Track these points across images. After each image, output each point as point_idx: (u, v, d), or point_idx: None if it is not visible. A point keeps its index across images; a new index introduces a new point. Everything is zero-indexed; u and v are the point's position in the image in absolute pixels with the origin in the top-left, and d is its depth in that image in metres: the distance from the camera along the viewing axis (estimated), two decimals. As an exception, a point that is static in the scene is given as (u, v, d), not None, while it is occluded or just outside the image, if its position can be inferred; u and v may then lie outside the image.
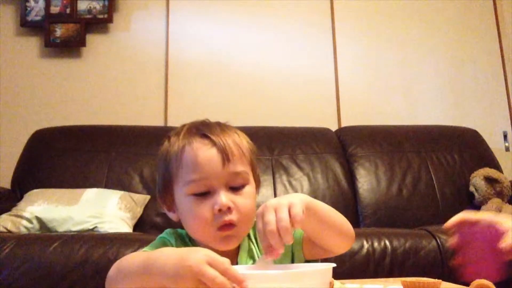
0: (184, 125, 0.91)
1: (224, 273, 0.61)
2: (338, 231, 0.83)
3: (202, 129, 0.86)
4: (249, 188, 0.85)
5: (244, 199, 0.83)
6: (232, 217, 0.81)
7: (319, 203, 0.81)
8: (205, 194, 0.82)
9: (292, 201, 0.72)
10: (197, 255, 0.63)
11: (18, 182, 2.21)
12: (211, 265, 0.62)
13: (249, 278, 0.61)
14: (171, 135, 0.90)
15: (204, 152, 0.83)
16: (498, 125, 2.83)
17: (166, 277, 0.65)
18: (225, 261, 0.63)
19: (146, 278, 0.68)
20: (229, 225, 0.81)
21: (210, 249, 0.67)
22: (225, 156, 0.82)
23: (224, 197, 0.81)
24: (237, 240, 0.84)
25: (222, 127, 0.88)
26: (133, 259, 0.74)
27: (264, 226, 0.70)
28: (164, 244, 0.88)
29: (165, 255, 0.68)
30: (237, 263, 0.85)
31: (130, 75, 2.73)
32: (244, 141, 0.88)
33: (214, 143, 0.83)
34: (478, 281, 0.67)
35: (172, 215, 0.90)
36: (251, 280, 0.61)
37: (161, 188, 0.89)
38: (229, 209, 0.81)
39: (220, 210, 0.80)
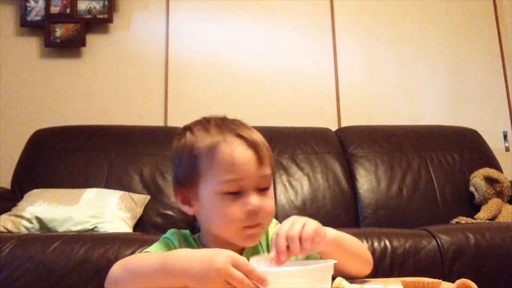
0: (207, 120, 0.90)
1: (248, 274, 0.65)
2: (359, 259, 0.89)
3: (234, 128, 0.86)
4: (271, 190, 0.88)
5: (269, 200, 0.86)
6: (260, 217, 0.83)
7: (345, 236, 0.87)
8: (235, 194, 0.83)
9: (317, 225, 0.78)
10: (223, 257, 0.66)
11: (18, 182, 2.21)
12: (235, 266, 0.65)
13: (268, 274, 0.65)
14: (192, 128, 0.89)
15: (241, 153, 0.83)
16: (498, 125, 2.83)
17: (191, 278, 0.68)
18: (247, 262, 0.66)
19: (165, 278, 0.71)
20: (256, 224, 0.84)
21: (222, 245, 0.72)
22: (260, 158, 0.84)
23: (255, 199, 0.83)
24: (259, 238, 0.88)
25: (247, 126, 0.90)
26: (144, 259, 0.76)
27: (289, 230, 0.76)
28: (167, 245, 0.89)
29: (187, 256, 0.71)
30: None
31: (130, 75, 2.73)
32: (266, 142, 0.90)
33: (249, 144, 0.84)
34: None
35: (187, 209, 0.90)
36: (271, 276, 0.65)
37: (180, 181, 0.88)
38: (258, 210, 0.83)
39: (250, 211, 0.82)
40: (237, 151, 0.83)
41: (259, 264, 0.74)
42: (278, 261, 0.74)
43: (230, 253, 0.67)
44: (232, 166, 0.82)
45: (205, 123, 0.89)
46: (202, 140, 0.85)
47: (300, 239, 0.75)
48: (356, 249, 0.89)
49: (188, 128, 0.90)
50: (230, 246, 0.79)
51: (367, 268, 0.91)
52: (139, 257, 0.80)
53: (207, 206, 0.85)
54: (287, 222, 0.78)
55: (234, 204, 0.82)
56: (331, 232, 0.85)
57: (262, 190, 0.85)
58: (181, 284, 0.70)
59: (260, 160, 0.84)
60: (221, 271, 0.65)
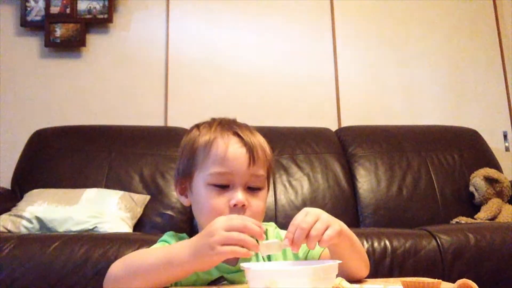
0: (214, 119, 0.95)
1: (243, 229, 0.71)
2: (361, 257, 0.89)
3: (235, 128, 0.91)
4: (263, 192, 0.91)
5: (258, 201, 0.88)
6: (244, 215, 0.85)
7: (350, 231, 0.87)
8: (224, 187, 0.87)
9: (331, 222, 0.77)
10: (216, 226, 0.71)
11: (18, 182, 2.21)
12: (229, 228, 0.70)
13: (271, 274, 0.66)
14: (200, 125, 0.94)
15: (234, 149, 0.88)
16: (498, 125, 2.82)
17: (192, 255, 0.72)
18: (240, 219, 0.72)
19: (166, 270, 0.73)
20: None
21: None
22: (252, 157, 0.88)
23: (241, 195, 0.86)
24: None
25: (250, 129, 0.94)
26: (145, 254, 0.78)
27: (301, 223, 0.75)
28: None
29: (188, 241, 0.75)
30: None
31: (130, 75, 2.73)
32: (267, 147, 0.94)
33: (244, 143, 0.88)
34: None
35: (183, 199, 0.95)
36: (273, 276, 0.65)
37: (180, 172, 0.93)
38: (243, 207, 0.85)
39: (235, 205, 0.85)
40: (231, 147, 0.88)
41: (269, 247, 0.76)
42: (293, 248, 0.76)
43: (222, 220, 0.72)
44: (223, 160, 0.86)
45: (211, 122, 0.94)
46: (204, 135, 0.91)
47: (308, 234, 0.75)
48: (360, 247, 0.90)
49: (196, 125, 0.96)
50: None
51: (366, 270, 0.91)
52: (139, 253, 0.81)
53: (197, 196, 0.89)
54: (301, 213, 0.78)
55: (221, 196, 0.86)
56: (342, 227, 0.82)
57: (253, 190, 0.88)
58: (183, 274, 0.72)
59: (252, 159, 0.87)
60: (217, 238, 0.70)
